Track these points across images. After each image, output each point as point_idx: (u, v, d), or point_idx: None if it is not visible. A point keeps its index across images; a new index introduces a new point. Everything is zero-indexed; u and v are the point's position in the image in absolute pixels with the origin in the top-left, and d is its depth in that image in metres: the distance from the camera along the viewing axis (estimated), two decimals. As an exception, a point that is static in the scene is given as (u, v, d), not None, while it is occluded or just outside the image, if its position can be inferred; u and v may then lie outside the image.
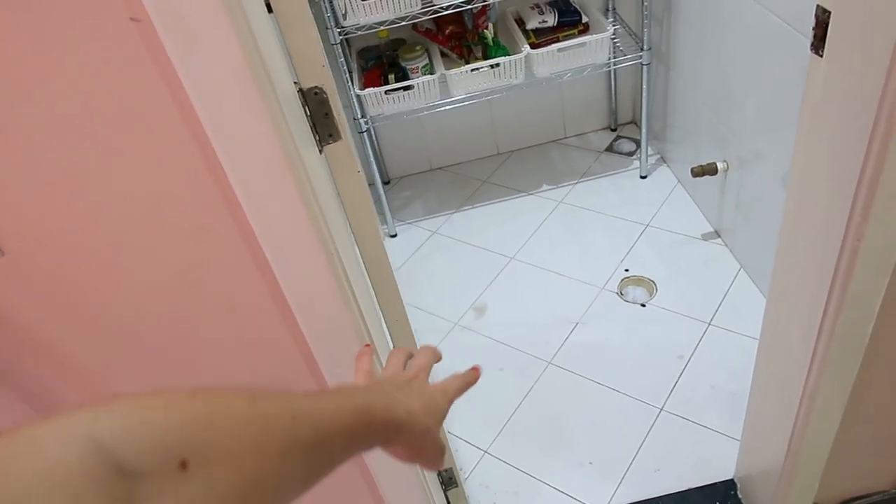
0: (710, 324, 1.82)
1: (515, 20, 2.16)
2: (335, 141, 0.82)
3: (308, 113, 0.79)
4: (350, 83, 1.99)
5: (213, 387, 0.33)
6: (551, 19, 2.10)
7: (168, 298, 0.76)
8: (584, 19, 2.11)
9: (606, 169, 2.41)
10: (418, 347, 0.64)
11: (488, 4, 2.01)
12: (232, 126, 0.63)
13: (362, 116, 2.06)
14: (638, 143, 2.47)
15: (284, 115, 0.67)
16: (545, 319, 1.93)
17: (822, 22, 0.78)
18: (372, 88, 1.97)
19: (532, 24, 2.10)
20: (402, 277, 2.18)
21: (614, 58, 2.09)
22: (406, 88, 1.99)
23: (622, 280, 1.99)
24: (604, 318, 1.90)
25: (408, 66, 2.03)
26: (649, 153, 2.34)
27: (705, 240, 2.06)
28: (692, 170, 1.92)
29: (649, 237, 2.11)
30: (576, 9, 2.12)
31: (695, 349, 1.76)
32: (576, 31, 2.12)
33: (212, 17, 0.57)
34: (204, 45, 0.58)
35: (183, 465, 0.28)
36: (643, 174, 2.33)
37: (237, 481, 0.30)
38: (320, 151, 0.82)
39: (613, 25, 2.13)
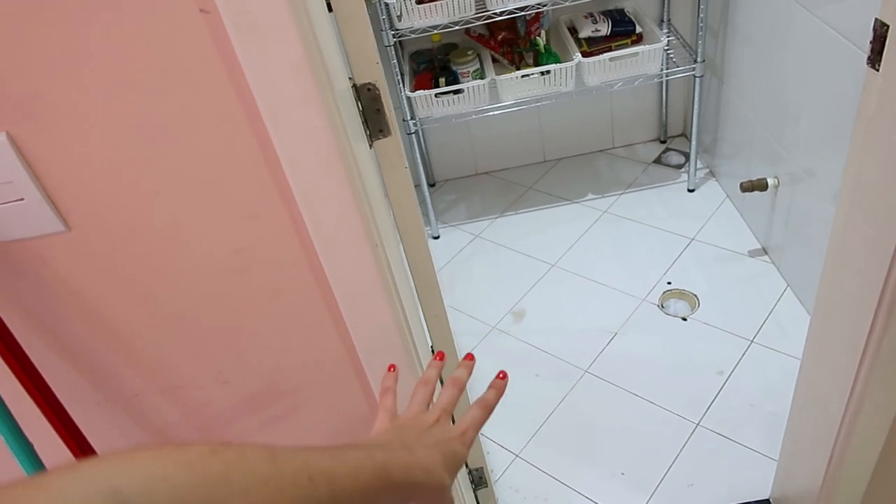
0: (752, 341, 1.79)
1: (568, 28, 2.17)
2: (385, 136, 0.85)
3: (361, 108, 0.81)
4: (401, 85, 2.03)
5: (234, 444, 0.34)
6: (605, 28, 2.10)
7: (218, 280, 0.79)
8: (639, 30, 2.10)
9: (654, 181, 2.40)
10: (448, 376, 0.64)
11: (542, 12, 2.03)
12: (289, 117, 0.66)
13: (411, 118, 2.09)
14: (687, 156, 2.44)
15: (339, 109, 0.70)
16: (583, 328, 1.93)
17: (879, 36, 0.78)
18: (422, 91, 2.00)
19: (585, 32, 2.10)
20: (442, 279, 2.20)
21: (667, 69, 2.08)
22: (456, 92, 2.01)
23: (664, 293, 1.98)
24: (643, 329, 1.89)
25: (459, 70, 2.06)
26: (698, 167, 2.31)
27: (752, 256, 2.03)
28: (741, 184, 1.90)
29: (694, 251, 2.09)
30: (630, 19, 2.12)
31: (735, 366, 1.74)
32: (629, 41, 2.11)
33: (275, 12, 0.59)
34: (266, 38, 0.61)
35: None
36: (691, 188, 2.31)
37: None
38: (370, 146, 0.84)
39: (668, 36, 2.12)
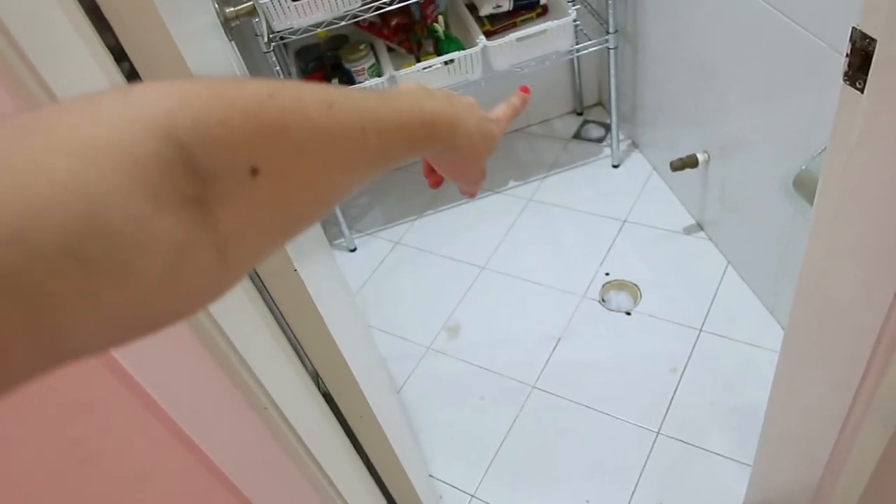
0: (701, 330, 1.69)
1: (467, 6, 1.97)
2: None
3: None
4: (289, 92, 1.78)
5: (291, 85, 0.30)
6: (506, 3, 1.91)
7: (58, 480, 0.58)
8: (542, 1, 1.92)
9: (576, 159, 2.25)
10: None
11: (436, -7, 1.81)
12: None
13: (307, 128, 1.86)
14: (607, 127, 2.31)
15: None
16: (525, 337, 1.79)
17: (860, 49, 0.63)
18: (314, 97, 1.76)
19: (486, 9, 1.91)
20: (365, 297, 2.01)
21: (578, 43, 1.91)
22: (352, 94, 1.79)
23: (604, 285, 1.85)
24: (588, 330, 1.77)
25: (352, 69, 1.83)
26: (620, 138, 2.18)
27: (688, 234, 1.93)
28: (671, 163, 1.78)
29: (628, 234, 1.97)
30: (532, -10, 1.93)
31: (688, 360, 1.64)
32: (534, 14, 1.94)
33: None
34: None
35: (254, 171, 0.27)
36: (615, 163, 2.18)
37: (300, 192, 0.30)
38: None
39: (573, 6, 1.95)
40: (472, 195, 0.61)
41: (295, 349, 0.74)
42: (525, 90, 0.62)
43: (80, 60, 0.44)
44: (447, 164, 0.51)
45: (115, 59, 0.51)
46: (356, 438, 0.98)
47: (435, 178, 0.58)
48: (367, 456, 1.03)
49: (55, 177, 0.20)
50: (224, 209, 0.26)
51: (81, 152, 0.22)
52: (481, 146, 0.50)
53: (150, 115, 0.24)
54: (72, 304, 0.20)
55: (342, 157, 0.33)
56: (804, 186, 1.14)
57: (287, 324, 0.72)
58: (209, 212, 0.25)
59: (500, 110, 0.58)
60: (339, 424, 0.90)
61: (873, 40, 0.60)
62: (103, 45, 0.49)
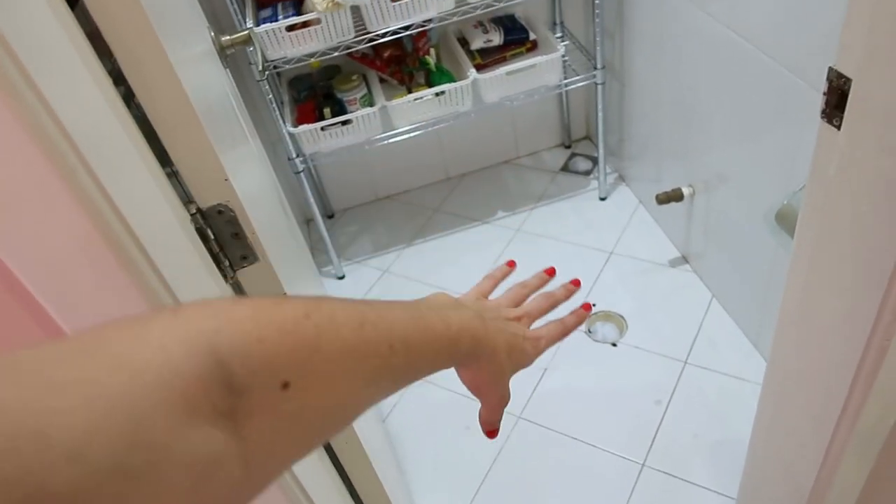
0: (686, 362, 1.70)
1: (458, 40, 2.01)
2: (251, 263, 0.65)
3: (213, 235, 0.61)
4: (281, 120, 1.80)
5: (326, 303, 0.33)
6: (497, 38, 1.95)
7: None
8: (532, 36, 1.97)
9: (564, 191, 2.28)
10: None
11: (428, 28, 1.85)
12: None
13: (297, 155, 1.88)
14: (594, 160, 2.34)
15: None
16: (511, 366, 1.79)
17: (836, 88, 0.65)
18: (306, 126, 1.78)
19: (477, 44, 1.95)
20: (353, 325, 2.00)
21: (566, 78, 1.95)
22: (344, 123, 1.81)
23: (590, 316, 1.87)
24: (574, 361, 1.77)
25: (345, 98, 1.85)
26: (607, 171, 2.22)
27: (673, 266, 1.95)
28: (657, 196, 1.80)
29: (614, 265, 1.99)
30: (522, 25, 1.98)
31: (672, 392, 1.64)
32: (524, 49, 1.98)
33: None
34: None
35: (285, 385, 0.28)
36: (602, 195, 2.21)
37: (326, 404, 0.31)
38: (230, 278, 0.64)
39: (562, 42, 2.00)
40: (490, 431, 0.55)
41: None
42: (587, 308, 0.60)
43: (80, 81, 0.45)
44: (468, 376, 0.49)
45: (114, 82, 0.52)
46: (341, 465, 0.97)
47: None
48: (351, 483, 1.02)
49: (109, 392, 0.22)
50: (253, 421, 0.27)
51: (135, 372, 0.24)
52: (507, 363, 0.49)
53: (197, 333, 0.26)
54: None
55: (368, 372, 0.34)
56: (787, 220, 1.16)
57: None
58: (239, 423, 0.26)
59: (547, 329, 0.55)
60: (323, 450, 0.90)
61: (849, 79, 0.62)
62: (102, 67, 0.50)
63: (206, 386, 0.25)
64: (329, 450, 0.94)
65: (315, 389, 0.30)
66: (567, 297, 0.61)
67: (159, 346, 0.25)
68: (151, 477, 0.23)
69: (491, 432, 0.55)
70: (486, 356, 0.47)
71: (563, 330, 0.57)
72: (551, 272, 0.62)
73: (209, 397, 0.25)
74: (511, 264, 0.63)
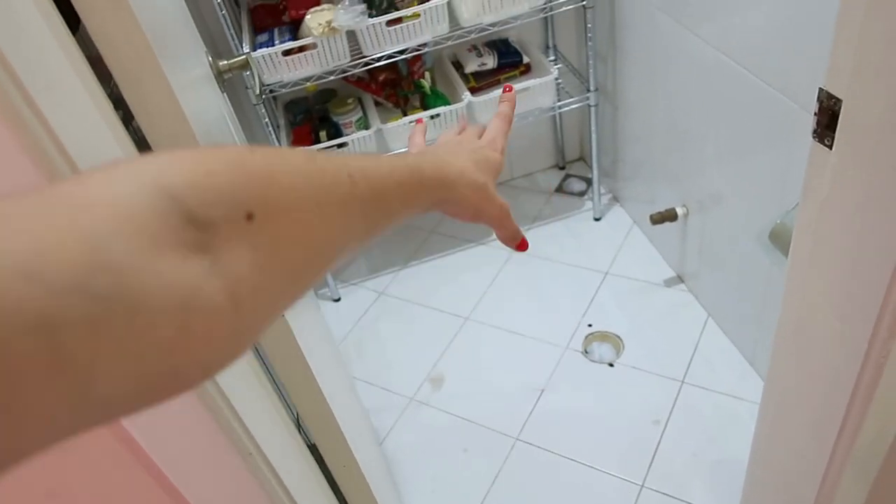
0: (683, 382, 1.70)
1: (453, 63, 2.03)
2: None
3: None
4: (277, 143, 1.81)
5: (269, 146, 0.32)
6: (491, 61, 1.97)
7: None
8: (526, 60, 1.99)
9: (559, 212, 2.29)
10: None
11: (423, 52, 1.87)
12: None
13: (293, 178, 1.88)
14: (588, 181, 2.36)
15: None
16: (508, 388, 1.78)
17: (827, 108, 0.66)
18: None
19: (471, 67, 1.97)
20: (349, 347, 2.00)
21: (560, 100, 1.97)
22: (340, 146, 1.82)
23: (586, 336, 1.86)
24: (571, 382, 1.77)
25: (340, 122, 1.87)
26: (601, 192, 2.23)
27: (668, 286, 1.95)
28: (651, 217, 1.82)
29: (610, 286, 1.99)
30: (516, 49, 2.00)
31: (670, 413, 1.64)
32: (517, 72, 2.00)
33: None
34: None
35: (249, 217, 0.28)
36: (597, 216, 2.22)
37: (301, 235, 0.31)
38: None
39: (555, 65, 2.02)
40: (519, 244, 0.57)
41: (280, 396, 0.74)
42: (509, 89, 0.61)
43: (81, 105, 0.45)
44: (460, 209, 0.49)
45: (114, 106, 0.52)
46: (339, 489, 0.97)
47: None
48: (348, 507, 1.01)
49: (57, 223, 0.22)
50: (229, 255, 0.27)
51: (82, 206, 0.23)
52: (482, 176, 0.50)
53: (141, 173, 0.26)
54: (90, 344, 0.21)
55: (335, 202, 0.34)
56: (780, 239, 1.17)
57: (273, 370, 0.72)
58: (215, 258, 0.26)
59: (492, 128, 0.57)
60: (322, 473, 0.89)
61: (839, 100, 0.63)
62: (103, 91, 0.51)
63: (162, 217, 0.24)
64: (327, 473, 0.93)
65: (283, 221, 0.30)
66: (513, 106, 0.61)
67: (103, 185, 0.24)
68: (123, 301, 0.22)
69: (520, 244, 0.57)
70: (457, 180, 0.47)
71: (506, 118, 0.58)
72: (509, 88, 0.62)
73: (170, 230, 0.24)
74: (509, 88, 0.63)
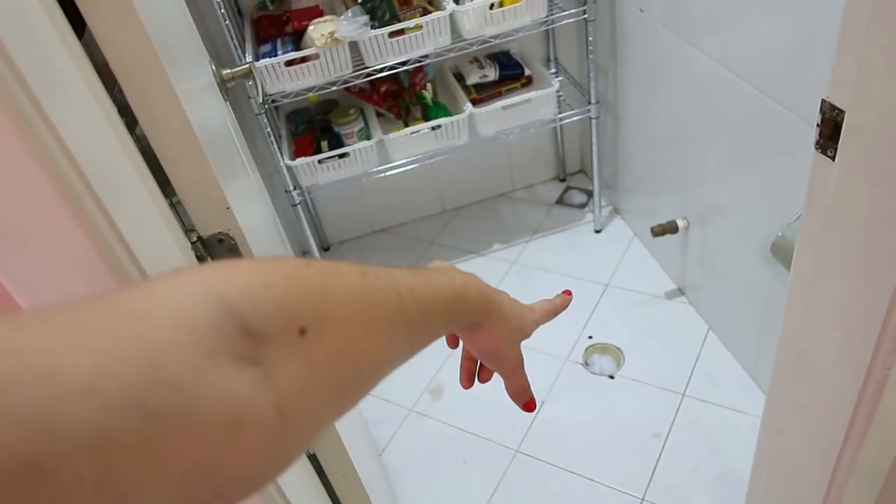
0: (684, 394, 1.69)
1: (454, 75, 2.04)
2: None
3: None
4: (279, 153, 1.82)
5: (324, 260, 0.33)
6: (492, 73, 1.98)
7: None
8: (527, 72, 2.00)
9: (559, 224, 2.29)
10: None
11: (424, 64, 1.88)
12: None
13: (295, 188, 1.89)
14: (589, 193, 2.36)
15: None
16: (508, 399, 1.77)
17: (829, 119, 0.66)
18: (303, 158, 1.79)
19: (473, 79, 1.98)
20: (348, 358, 1.99)
21: (561, 112, 1.98)
22: (341, 156, 1.83)
23: (587, 349, 1.86)
24: (571, 393, 1.76)
25: (342, 132, 1.87)
26: (602, 204, 2.23)
27: (669, 298, 1.95)
28: (652, 229, 1.82)
29: (611, 298, 1.99)
30: (517, 61, 2.01)
31: (671, 425, 1.63)
32: (519, 84, 2.01)
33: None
34: None
35: (301, 331, 0.28)
36: (598, 228, 2.22)
37: (350, 352, 0.31)
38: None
39: (557, 77, 2.03)
40: (526, 403, 0.58)
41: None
42: (568, 294, 0.62)
43: (88, 111, 0.45)
44: (483, 338, 0.49)
45: (119, 111, 0.52)
46: (338, 499, 0.96)
47: (484, 375, 0.60)
48: (347, 519, 1.00)
49: (119, 334, 0.22)
50: (280, 368, 0.27)
51: (144, 317, 0.24)
52: (514, 324, 0.50)
53: (202, 284, 0.26)
54: (138, 464, 0.21)
55: (383, 318, 0.34)
56: (781, 252, 1.17)
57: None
58: (266, 371, 0.26)
59: (539, 304, 0.58)
60: (321, 483, 0.89)
61: (842, 111, 0.64)
62: (109, 98, 0.51)
63: (220, 330, 0.25)
64: (327, 485, 0.92)
65: (334, 336, 0.30)
66: (565, 306, 0.62)
67: (165, 296, 0.25)
68: (176, 418, 0.22)
69: (527, 403, 0.57)
70: (496, 312, 0.48)
71: (552, 307, 0.59)
72: (568, 293, 0.64)
73: (226, 341, 0.25)
74: (568, 293, 0.64)
